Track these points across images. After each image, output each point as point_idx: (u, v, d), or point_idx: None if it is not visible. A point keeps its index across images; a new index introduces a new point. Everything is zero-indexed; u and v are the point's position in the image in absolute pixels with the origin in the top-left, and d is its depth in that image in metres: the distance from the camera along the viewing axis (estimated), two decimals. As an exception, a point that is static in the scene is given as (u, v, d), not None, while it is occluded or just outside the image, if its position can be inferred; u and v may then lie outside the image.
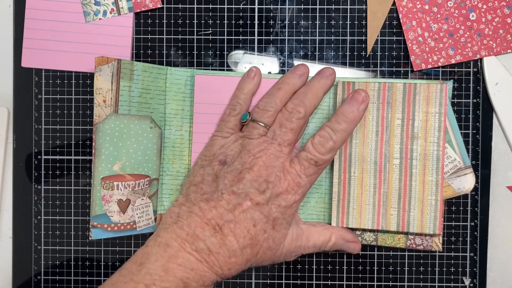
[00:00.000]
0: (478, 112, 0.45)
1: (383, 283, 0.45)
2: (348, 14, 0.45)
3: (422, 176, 0.42)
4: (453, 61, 0.44)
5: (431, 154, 0.42)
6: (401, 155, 0.42)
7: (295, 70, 0.42)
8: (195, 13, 0.45)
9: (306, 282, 0.45)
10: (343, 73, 0.45)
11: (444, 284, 0.45)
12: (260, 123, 0.40)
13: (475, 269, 0.45)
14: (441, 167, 0.42)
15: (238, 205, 0.37)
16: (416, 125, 0.42)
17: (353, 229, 0.44)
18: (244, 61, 0.45)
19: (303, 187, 0.39)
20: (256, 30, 0.45)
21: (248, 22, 0.45)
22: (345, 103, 0.40)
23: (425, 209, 0.42)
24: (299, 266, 0.46)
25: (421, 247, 0.43)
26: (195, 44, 0.45)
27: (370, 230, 0.44)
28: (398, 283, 0.45)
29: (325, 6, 0.45)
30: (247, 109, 0.42)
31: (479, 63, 0.44)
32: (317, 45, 0.45)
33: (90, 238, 0.41)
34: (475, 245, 0.45)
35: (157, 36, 0.45)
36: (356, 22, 0.45)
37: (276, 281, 0.46)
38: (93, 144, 0.41)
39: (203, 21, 0.45)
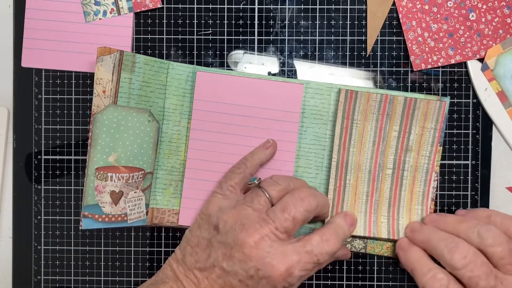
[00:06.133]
0: (478, 112, 0.45)
1: (383, 283, 0.45)
2: (348, 14, 0.45)
3: (411, 187, 0.43)
4: (453, 61, 0.44)
5: (421, 166, 0.43)
6: (394, 165, 0.43)
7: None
8: (195, 13, 0.45)
9: (306, 282, 0.45)
10: (343, 73, 0.45)
11: (444, 284, 0.45)
12: (266, 193, 0.38)
13: (475, 269, 0.45)
14: (429, 179, 0.43)
15: (228, 282, 0.36)
16: (411, 138, 0.43)
17: None
18: (244, 61, 0.45)
19: (295, 278, 0.36)
20: (256, 30, 0.45)
21: (248, 22, 0.45)
22: (337, 217, 0.40)
23: (412, 218, 0.43)
24: (299, 266, 0.46)
25: None
26: (195, 44, 0.45)
27: (360, 238, 0.44)
28: (398, 283, 0.45)
29: (325, 6, 0.45)
30: (251, 174, 0.42)
31: (464, 68, 0.44)
32: (317, 45, 0.45)
33: (81, 228, 0.41)
34: (475, 245, 0.45)
35: (157, 36, 0.45)
36: (356, 22, 0.45)
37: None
38: (90, 134, 0.41)
39: (203, 21, 0.45)
